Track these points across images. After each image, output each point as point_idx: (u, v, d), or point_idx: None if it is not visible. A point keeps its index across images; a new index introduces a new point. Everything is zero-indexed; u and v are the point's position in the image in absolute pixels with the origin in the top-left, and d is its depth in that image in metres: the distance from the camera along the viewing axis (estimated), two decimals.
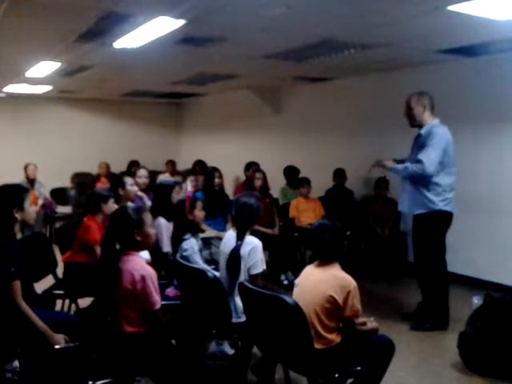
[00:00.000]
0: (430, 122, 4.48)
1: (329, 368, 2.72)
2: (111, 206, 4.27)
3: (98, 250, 4.09)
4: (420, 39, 5.09)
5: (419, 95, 4.53)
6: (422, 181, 4.43)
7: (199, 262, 3.87)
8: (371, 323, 2.92)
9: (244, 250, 3.36)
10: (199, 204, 4.11)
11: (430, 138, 4.36)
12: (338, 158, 7.69)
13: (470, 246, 5.86)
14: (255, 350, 3.34)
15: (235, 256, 3.36)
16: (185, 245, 3.93)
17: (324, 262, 2.95)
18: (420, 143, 4.49)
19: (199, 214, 4.09)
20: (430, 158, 4.30)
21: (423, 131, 4.48)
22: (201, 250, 4.03)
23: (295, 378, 3.28)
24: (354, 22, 4.52)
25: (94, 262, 4.08)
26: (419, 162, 4.32)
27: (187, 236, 3.98)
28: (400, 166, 4.51)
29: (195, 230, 4.06)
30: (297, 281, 3.07)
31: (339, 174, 7.30)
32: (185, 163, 10.47)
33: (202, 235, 4.27)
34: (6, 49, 5.70)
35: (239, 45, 5.37)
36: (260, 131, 9.61)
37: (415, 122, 4.56)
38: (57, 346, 2.76)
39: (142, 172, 5.50)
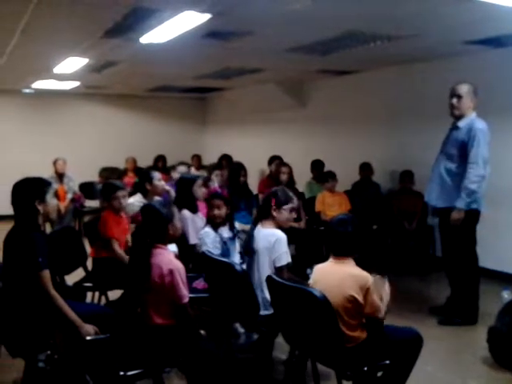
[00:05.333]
0: (470, 114, 4.39)
1: (358, 362, 2.71)
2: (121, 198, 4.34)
3: (116, 244, 4.15)
4: (447, 30, 5.02)
5: (470, 86, 4.40)
6: (457, 175, 4.36)
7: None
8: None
9: (263, 244, 3.39)
10: (215, 202, 4.10)
11: (473, 135, 4.26)
12: (364, 151, 7.64)
13: (499, 240, 5.77)
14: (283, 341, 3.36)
15: (249, 239, 3.48)
16: (199, 235, 4.06)
17: (338, 257, 2.89)
18: (457, 136, 4.39)
19: (213, 212, 4.10)
20: (484, 161, 4.24)
21: (462, 124, 4.38)
22: (225, 243, 4.06)
23: (323, 371, 3.27)
24: (380, 14, 4.47)
25: (114, 256, 4.15)
26: (470, 164, 4.24)
27: (206, 228, 4.07)
28: (463, 197, 4.29)
29: (214, 224, 4.09)
30: (311, 281, 3.01)
31: (365, 168, 7.25)
32: (210, 157, 10.53)
33: None
34: (35, 45, 5.78)
35: (264, 38, 5.36)
36: (285, 125, 9.59)
37: (458, 113, 4.43)
38: (88, 338, 2.81)
39: (182, 168, 5.55)
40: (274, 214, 3.45)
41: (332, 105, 8.49)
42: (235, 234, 4.18)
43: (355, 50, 5.90)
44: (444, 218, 4.57)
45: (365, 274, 2.80)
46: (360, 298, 2.72)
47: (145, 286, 2.82)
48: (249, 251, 3.48)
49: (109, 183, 4.65)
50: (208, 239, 4.00)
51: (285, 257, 3.35)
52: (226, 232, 4.12)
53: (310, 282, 3.01)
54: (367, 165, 7.23)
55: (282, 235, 3.38)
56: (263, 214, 3.51)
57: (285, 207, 3.46)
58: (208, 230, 4.06)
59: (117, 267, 4.07)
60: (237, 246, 4.14)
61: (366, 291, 2.73)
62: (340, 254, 2.90)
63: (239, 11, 4.30)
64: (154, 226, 2.92)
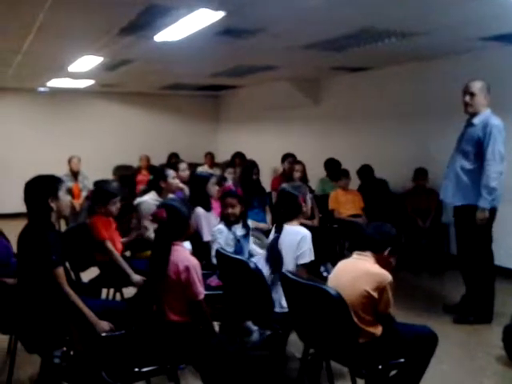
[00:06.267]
0: (484, 111, 4.37)
1: (372, 360, 2.70)
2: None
3: (109, 245, 4.10)
4: (462, 26, 4.98)
5: (482, 83, 4.39)
6: (473, 172, 4.33)
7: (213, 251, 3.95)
8: None
9: (288, 241, 3.37)
10: (228, 200, 4.10)
11: (489, 132, 4.23)
12: (378, 149, 7.61)
13: None
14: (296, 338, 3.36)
15: (273, 249, 3.39)
16: (212, 231, 4.10)
17: (360, 252, 2.93)
18: (472, 133, 4.37)
19: (227, 211, 4.09)
20: (500, 157, 4.22)
21: (477, 121, 4.36)
22: (238, 241, 4.06)
23: (337, 369, 3.28)
24: (394, 10, 4.44)
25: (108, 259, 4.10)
26: (488, 160, 4.21)
27: (220, 225, 4.07)
28: (485, 196, 4.24)
29: (228, 222, 4.09)
30: (330, 275, 3.04)
31: (363, 172, 7.15)
32: (223, 155, 10.54)
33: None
34: (50, 44, 5.83)
35: (278, 36, 5.35)
36: (298, 122, 9.58)
37: (472, 110, 4.41)
38: (103, 334, 2.83)
39: (184, 166, 5.59)
40: (305, 209, 3.49)
41: (346, 102, 8.46)
42: (248, 231, 4.18)
43: (370, 47, 5.88)
44: (460, 216, 4.55)
45: (384, 272, 2.80)
46: (375, 295, 2.72)
47: (161, 283, 2.84)
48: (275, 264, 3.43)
49: (103, 189, 4.48)
50: (221, 236, 4.02)
51: (308, 254, 3.33)
52: (239, 230, 4.13)
53: (330, 276, 3.03)
54: (365, 168, 7.14)
55: (307, 233, 3.37)
56: (291, 215, 3.47)
57: (307, 197, 3.53)
58: (221, 227, 4.08)
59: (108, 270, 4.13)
60: (250, 243, 4.15)
61: (383, 289, 2.73)
62: (360, 248, 2.94)
63: (253, 8, 4.30)
64: (177, 224, 2.94)
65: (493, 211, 4.39)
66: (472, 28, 5.06)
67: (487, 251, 4.50)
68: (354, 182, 7.03)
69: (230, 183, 6.11)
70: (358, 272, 2.83)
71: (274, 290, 3.35)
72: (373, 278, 2.76)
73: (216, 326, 3.25)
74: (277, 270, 3.35)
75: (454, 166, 4.49)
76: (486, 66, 5.93)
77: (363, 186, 7.22)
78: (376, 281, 2.74)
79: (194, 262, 2.84)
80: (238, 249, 4.01)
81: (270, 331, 3.87)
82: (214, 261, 3.80)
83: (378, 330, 2.82)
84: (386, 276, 2.76)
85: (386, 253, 2.90)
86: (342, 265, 3.03)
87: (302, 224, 3.58)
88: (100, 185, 4.68)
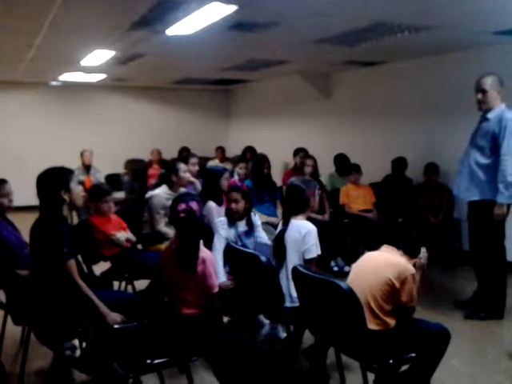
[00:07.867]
0: (499, 106, 4.32)
1: (383, 353, 2.71)
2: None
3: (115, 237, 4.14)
4: (475, 20, 4.93)
5: (493, 78, 4.32)
6: (488, 167, 4.29)
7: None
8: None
9: (293, 235, 3.38)
10: (233, 196, 4.06)
11: (504, 126, 4.17)
12: (390, 144, 7.56)
13: None
14: (307, 334, 3.37)
15: (278, 242, 3.41)
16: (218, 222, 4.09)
17: (390, 247, 3.01)
18: (487, 128, 4.32)
19: (231, 206, 4.06)
20: None
21: (491, 115, 4.31)
22: (239, 237, 4.04)
23: (347, 363, 3.28)
24: (407, 4, 4.41)
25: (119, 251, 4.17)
26: (504, 155, 4.15)
27: (222, 219, 4.05)
28: (502, 191, 4.17)
29: (232, 218, 4.06)
30: (355, 264, 3.08)
31: (398, 163, 7.02)
32: (234, 149, 10.55)
33: None
34: (63, 38, 5.85)
35: (290, 30, 5.34)
36: (309, 117, 9.55)
37: (486, 107, 4.36)
38: (116, 326, 2.85)
39: (195, 160, 5.60)
40: (312, 204, 3.51)
41: (357, 97, 8.42)
42: (252, 228, 4.12)
43: (382, 41, 5.85)
44: (474, 211, 4.51)
45: (407, 265, 2.87)
46: (397, 284, 2.78)
47: (175, 275, 2.85)
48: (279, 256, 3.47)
49: (97, 187, 4.55)
50: (224, 228, 4.00)
51: (314, 249, 3.34)
52: (242, 226, 4.08)
53: (354, 264, 3.08)
54: (401, 159, 7.06)
55: (312, 227, 3.38)
56: (298, 209, 3.49)
57: (316, 192, 3.54)
58: (223, 220, 4.05)
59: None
60: (262, 233, 4.15)
61: (404, 280, 2.79)
62: (396, 246, 3.03)
63: (265, 2, 4.29)
64: (194, 237, 2.95)
65: (507, 207, 4.36)
66: (485, 22, 5.01)
67: (500, 247, 4.47)
68: (367, 176, 6.99)
69: (235, 178, 6.12)
70: (383, 261, 2.92)
71: (281, 283, 3.37)
72: (396, 267, 2.83)
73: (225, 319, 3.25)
74: (280, 264, 3.39)
75: (468, 161, 4.45)
76: (499, 60, 5.88)
77: (391, 177, 7.13)
78: (398, 271, 2.81)
79: (209, 254, 2.86)
80: (240, 246, 3.99)
81: (281, 325, 3.89)
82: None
83: (392, 322, 2.85)
84: (409, 268, 2.84)
85: (412, 261, 2.98)
86: (369, 254, 3.09)
87: (312, 218, 3.59)
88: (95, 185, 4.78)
